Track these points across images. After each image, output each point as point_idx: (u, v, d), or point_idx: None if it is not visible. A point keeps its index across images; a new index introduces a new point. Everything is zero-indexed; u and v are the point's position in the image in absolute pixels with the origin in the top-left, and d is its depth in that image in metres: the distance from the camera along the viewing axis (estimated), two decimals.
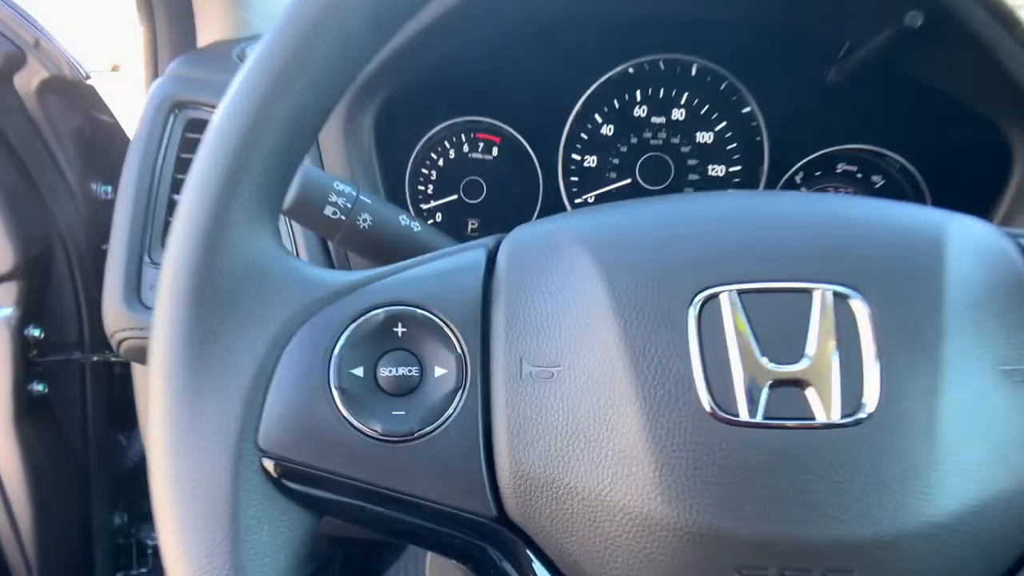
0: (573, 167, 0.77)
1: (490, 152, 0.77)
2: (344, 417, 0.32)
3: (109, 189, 0.91)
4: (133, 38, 0.79)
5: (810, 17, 0.66)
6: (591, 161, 0.75)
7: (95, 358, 0.92)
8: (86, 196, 0.89)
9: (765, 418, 0.30)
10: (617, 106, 0.73)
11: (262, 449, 0.32)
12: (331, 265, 0.64)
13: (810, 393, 0.30)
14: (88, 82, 0.87)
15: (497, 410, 0.32)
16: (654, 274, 0.32)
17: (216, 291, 0.32)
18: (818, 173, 0.76)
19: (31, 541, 0.88)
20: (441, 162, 0.77)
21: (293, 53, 0.32)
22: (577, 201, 0.78)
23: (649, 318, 0.31)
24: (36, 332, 0.87)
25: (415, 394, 0.33)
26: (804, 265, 0.31)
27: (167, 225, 0.63)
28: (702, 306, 0.31)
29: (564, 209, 0.78)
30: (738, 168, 0.76)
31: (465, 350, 0.33)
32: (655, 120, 0.73)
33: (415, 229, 0.52)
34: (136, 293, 0.61)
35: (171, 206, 0.64)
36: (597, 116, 0.74)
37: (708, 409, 0.30)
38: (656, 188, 0.77)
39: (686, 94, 0.72)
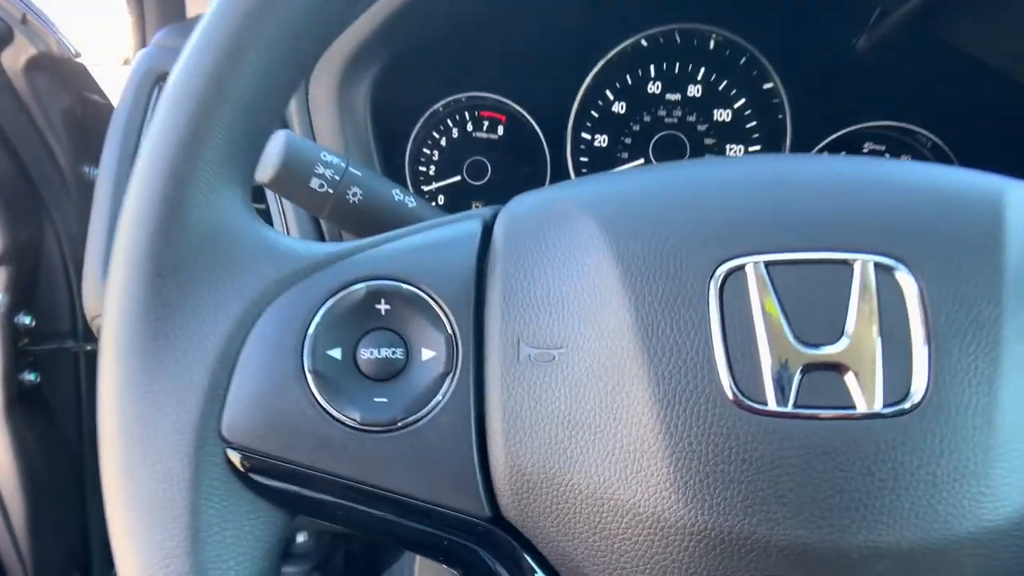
0: (582, 147, 0.74)
1: (495, 131, 0.74)
2: (319, 404, 0.30)
3: None
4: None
5: None
6: (601, 140, 0.73)
7: (89, 347, 0.90)
8: (78, 179, 0.87)
9: (796, 407, 0.27)
10: (629, 82, 0.71)
11: (226, 440, 0.30)
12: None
13: (849, 379, 0.28)
14: (78, 60, 0.84)
15: (491, 397, 0.30)
16: (670, 244, 0.30)
17: (175, 262, 0.29)
18: (844, 153, 0.72)
19: (24, 536, 0.86)
20: (443, 141, 0.75)
21: (258, 3, 0.29)
22: None
23: (664, 293, 0.29)
24: (27, 320, 0.85)
25: (399, 379, 0.31)
26: (842, 233, 0.29)
27: None
28: (724, 280, 0.29)
29: None
30: (758, 148, 0.73)
31: (456, 330, 0.31)
32: (670, 97, 0.71)
33: (410, 205, 0.48)
34: None
35: None
36: (608, 92, 0.72)
37: (731, 396, 0.28)
38: None
39: (703, 68, 0.70)
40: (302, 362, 0.30)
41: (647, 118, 0.72)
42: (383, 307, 0.32)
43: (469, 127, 0.74)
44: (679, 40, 0.71)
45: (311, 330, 0.31)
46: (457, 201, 0.76)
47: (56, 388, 0.90)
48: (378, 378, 0.31)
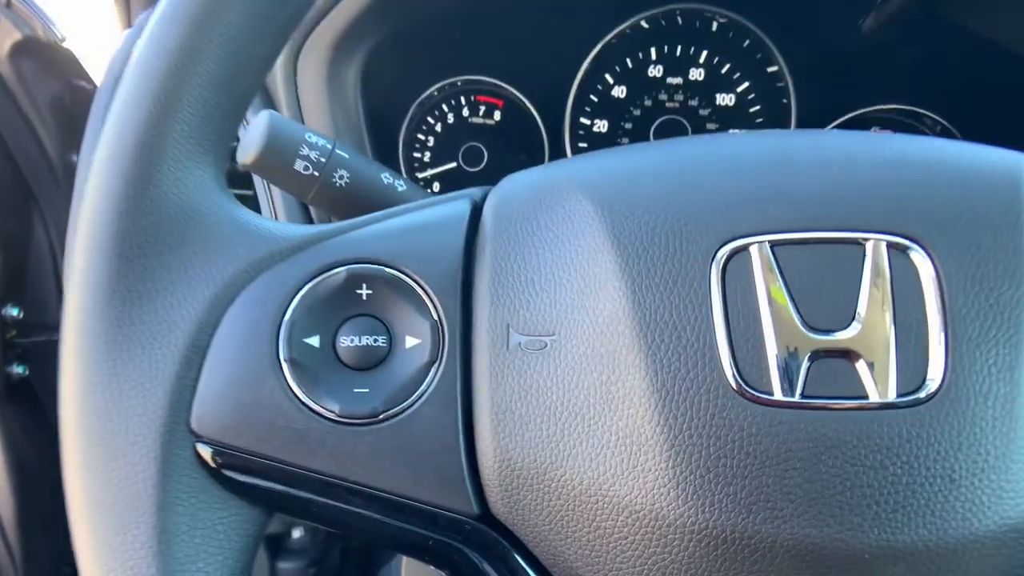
0: (581, 132, 0.73)
1: (491, 116, 0.73)
2: (296, 395, 0.29)
3: None
4: None
5: None
6: (601, 126, 0.72)
7: None
8: (66, 168, 0.86)
9: (804, 397, 0.26)
10: (630, 65, 0.70)
11: (196, 434, 0.28)
12: None
13: (860, 367, 0.27)
14: (65, 45, 0.82)
15: (479, 387, 0.29)
16: (669, 223, 0.28)
17: (141, 243, 0.28)
18: None
19: (13, 530, 0.85)
20: (438, 127, 0.73)
21: None
22: None
23: (662, 276, 0.28)
24: (14, 311, 0.84)
25: (382, 368, 0.30)
26: (853, 211, 0.28)
27: None
28: (727, 261, 0.28)
29: None
30: None
31: (442, 316, 0.30)
32: (671, 80, 0.70)
33: (400, 188, 0.47)
34: None
35: None
36: (608, 76, 0.71)
37: (734, 386, 0.27)
38: None
39: (705, 51, 0.69)
40: (277, 350, 0.29)
41: (648, 102, 0.71)
42: (364, 292, 0.30)
43: (465, 112, 0.73)
44: (681, 21, 0.70)
45: (287, 316, 0.29)
46: (452, 188, 0.73)
47: (45, 381, 0.88)
48: (359, 367, 0.30)
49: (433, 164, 0.73)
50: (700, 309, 0.27)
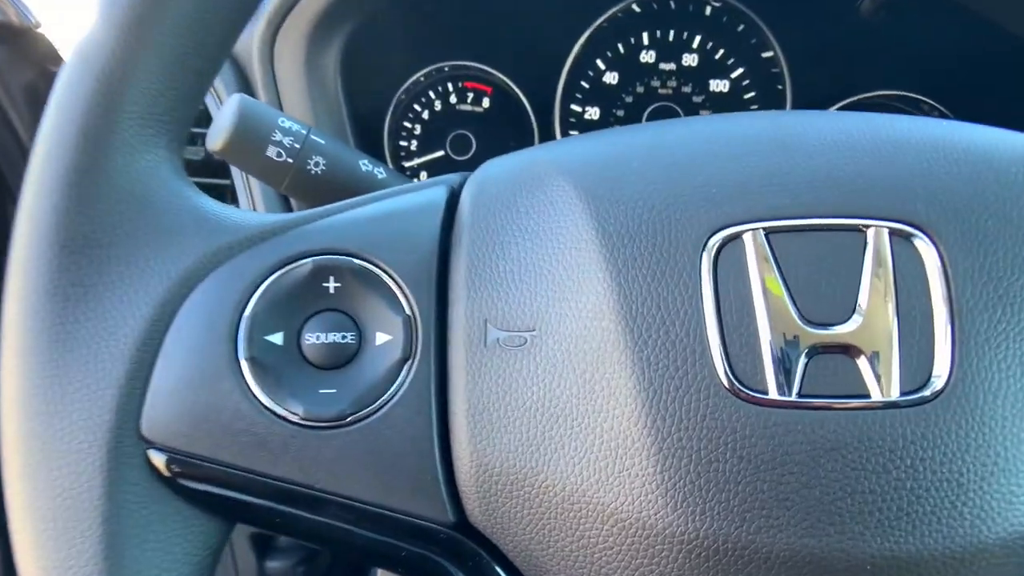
0: (572, 120, 0.72)
1: (480, 103, 0.72)
2: (256, 397, 0.28)
3: None
4: None
5: None
6: (592, 113, 0.71)
7: None
8: None
9: (801, 396, 0.25)
10: (621, 51, 0.69)
11: (147, 440, 0.27)
12: None
13: (861, 363, 0.26)
14: (40, 30, 0.80)
15: (455, 387, 0.28)
16: (657, 210, 0.27)
17: (87, 233, 0.27)
18: None
19: None
20: (425, 114, 0.72)
21: None
22: None
23: (650, 267, 0.27)
24: None
25: (350, 367, 0.29)
26: (853, 196, 0.27)
27: None
28: (719, 251, 0.27)
29: None
30: None
31: (415, 311, 0.29)
32: (664, 66, 0.69)
33: (379, 176, 0.45)
34: None
35: None
36: (599, 62, 0.70)
37: (727, 384, 0.26)
38: None
39: (699, 36, 0.68)
40: (236, 349, 0.28)
41: (640, 89, 0.70)
42: (332, 285, 0.29)
43: (453, 99, 0.71)
44: (673, 5, 0.68)
45: (248, 312, 0.28)
46: None
47: None
48: (325, 366, 0.29)
49: (420, 153, 0.72)
50: (690, 302, 0.26)
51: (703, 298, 0.26)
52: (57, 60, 0.85)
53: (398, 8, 0.62)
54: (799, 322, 0.26)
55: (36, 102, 0.81)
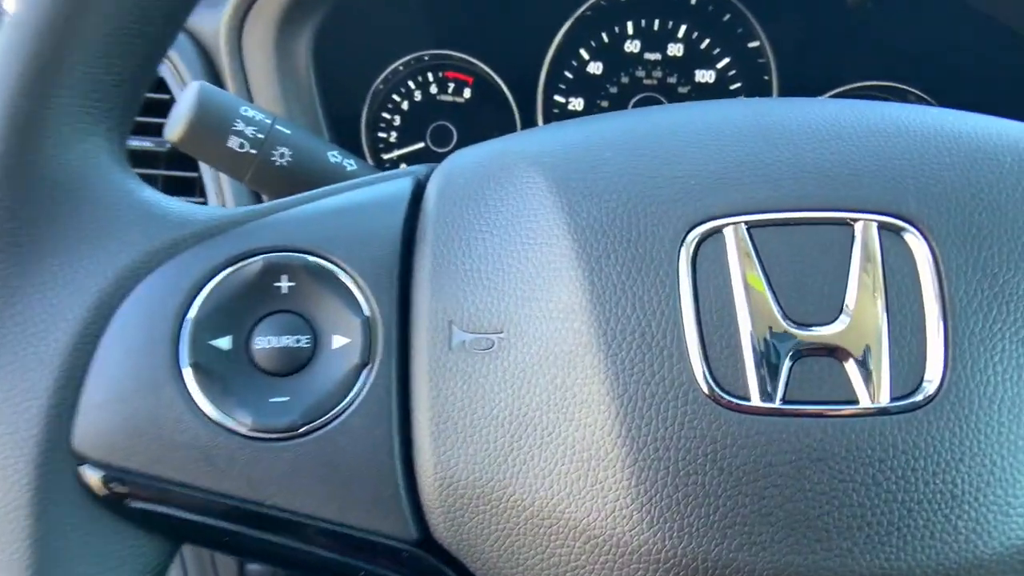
0: (556, 111, 0.71)
1: (461, 93, 0.71)
2: (200, 407, 0.26)
3: None
4: None
5: None
6: (576, 104, 0.71)
7: None
8: None
9: (786, 402, 0.25)
10: (606, 40, 0.69)
11: (79, 455, 0.26)
12: None
13: (849, 366, 0.25)
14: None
15: (417, 393, 0.27)
16: (632, 203, 0.27)
17: (14, 229, 0.25)
18: None
19: None
20: (405, 105, 0.71)
21: None
22: None
23: (624, 263, 0.26)
24: None
25: (304, 373, 0.28)
26: (839, 188, 0.26)
27: None
28: (698, 246, 0.26)
29: None
30: None
31: (375, 312, 0.28)
32: (649, 56, 0.69)
33: (350, 168, 0.44)
34: None
35: None
36: (583, 52, 0.70)
37: (706, 390, 0.25)
38: None
39: (684, 26, 0.68)
40: (178, 354, 0.27)
41: (625, 79, 0.69)
42: (285, 285, 0.28)
43: (433, 89, 0.71)
44: None
45: (192, 314, 0.27)
46: None
47: None
48: (277, 372, 0.28)
49: (400, 145, 0.71)
50: (667, 301, 0.26)
51: (681, 297, 0.26)
52: None
53: None
54: (783, 323, 0.25)
55: None
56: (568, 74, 0.70)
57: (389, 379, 0.27)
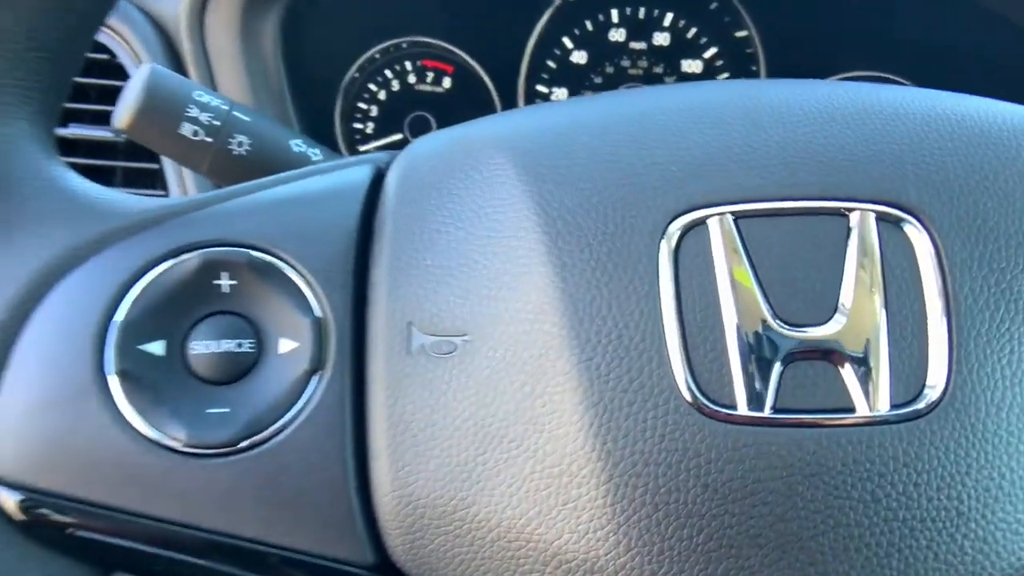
0: (538, 101, 0.71)
1: (440, 83, 0.70)
2: (127, 420, 0.25)
3: None
4: None
5: None
6: (560, 94, 0.71)
7: None
8: None
9: (776, 411, 0.24)
10: (590, 28, 0.69)
11: None
12: None
13: (845, 371, 0.24)
14: None
15: (373, 403, 0.26)
16: (608, 192, 0.25)
17: None
18: None
19: None
20: (382, 95, 0.70)
21: None
22: None
23: (600, 259, 0.25)
24: None
25: (247, 381, 0.27)
26: (833, 175, 0.25)
27: None
28: (680, 239, 0.25)
29: None
30: None
31: (327, 313, 0.27)
32: (634, 46, 0.69)
33: (314, 157, 0.44)
34: None
35: None
36: (566, 40, 0.70)
37: (689, 398, 0.24)
38: None
39: (671, 14, 0.68)
40: (103, 361, 0.25)
41: (610, 69, 0.70)
42: (226, 283, 0.27)
43: (411, 78, 0.70)
44: None
45: (120, 316, 0.26)
46: None
47: None
48: (216, 380, 0.26)
49: (376, 136, 0.71)
50: (646, 300, 0.24)
51: (661, 295, 0.25)
52: None
53: None
54: (773, 323, 0.24)
55: None
56: (551, 63, 0.70)
57: (342, 387, 0.26)
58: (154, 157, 0.55)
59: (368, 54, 0.68)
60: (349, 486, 0.26)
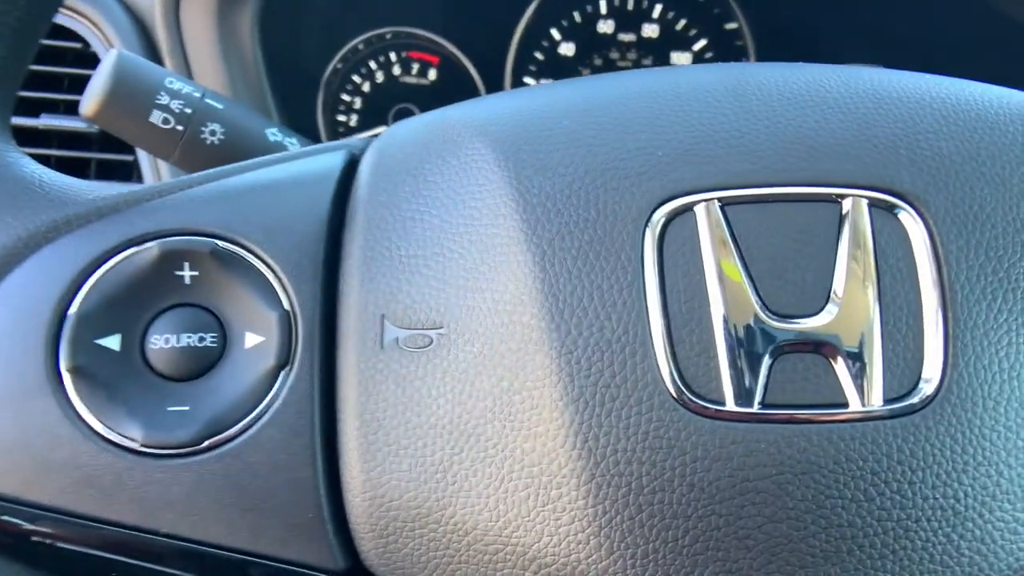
0: None
1: (425, 75, 0.70)
2: (81, 417, 0.24)
3: None
4: None
5: None
6: None
7: None
8: None
9: (765, 406, 0.23)
10: (578, 20, 0.69)
11: None
12: None
13: (837, 365, 0.24)
14: None
15: (344, 399, 0.25)
16: (591, 177, 0.25)
17: None
18: None
19: None
20: (366, 86, 0.70)
21: None
22: None
23: (581, 247, 0.24)
24: None
25: (210, 377, 0.26)
26: (825, 160, 0.25)
27: None
28: (665, 226, 0.24)
29: None
30: None
31: (295, 305, 0.26)
32: (623, 37, 0.69)
33: (292, 147, 0.42)
34: None
35: None
36: (553, 32, 0.69)
37: (673, 393, 0.23)
38: None
39: (660, 6, 0.68)
40: (57, 356, 0.24)
41: (598, 61, 0.70)
42: (187, 274, 0.26)
43: (396, 70, 0.70)
44: None
45: (74, 308, 0.25)
46: None
47: None
48: (177, 377, 0.26)
49: (360, 129, 0.70)
50: (630, 291, 0.24)
51: (645, 285, 0.24)
52: None
53: None
54: (762, 314, 0.24)
55: None
56: (538, 55, 0.69)
57: (311, 383, 0.25)
58: (129, 148, 0.54)
59: (351, 44, 0.68)
60: (318, 488, 0.25)
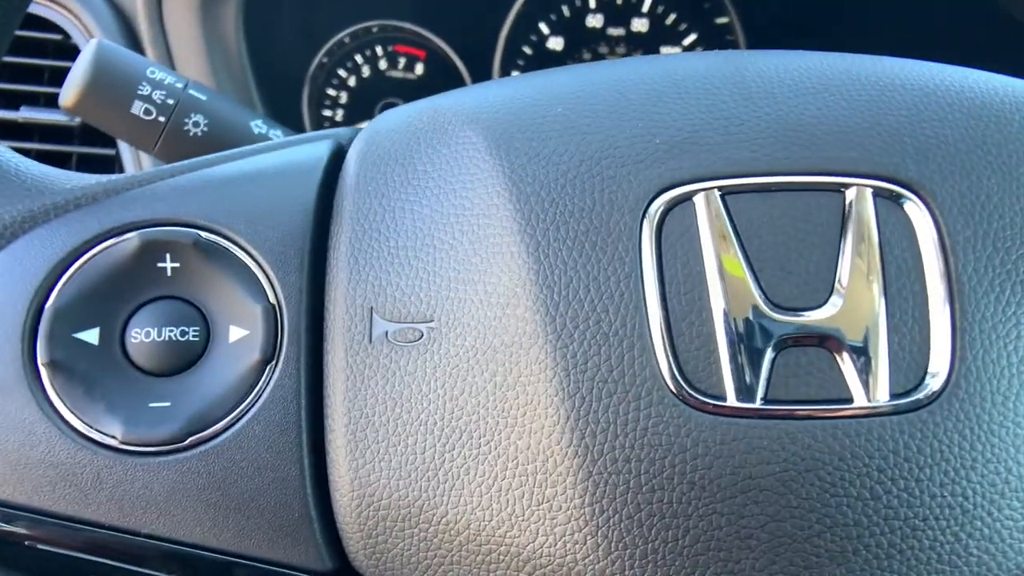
0: None
1: (412, 69, 0.70)
2: (59, 413, 0.24)
3: None
4: None
5: None
6: None
7: None
8: None
9: (768, 402, 0.23)
10: (567, 13, 0.69)
11: None
12: None
13: (842, 359, 0.23)
14: None
15: (332, 395, 0.25)
16: (587, 166, 0.24)
17: None
18: None
19: None
20: (352, 81, 0.70)
21: None
22: None
23: (577, 238, 0.24)
24: None
25: (193, 372, 0.25)
26: (828, 149, 0.24)
27: None
28: (663, 216, 0.24)
29: None
30: None
31: (280, 298, 0.25)
32: (612, 32, 0.69)
33: (276, 139, 0.40)
34: None
35: None
36: (543, 26, 0.69)
37: (673, 388, 0.23)
38: None
39: (649, 0, 0.68)
40: (34, 350, 0.24)
41: (587, 55, 0.70)
42: (169, 266, 0.25)
43: (382, 64, 0.69)
44: None
45: (51, 301, 0.24)
46: None
47: None
48: (158, 372, 0.25)
49: (346, 123, 0.71)
50: (627, 283, 0.23)
51: (643, 277, 0.23)
52: None
53: None
54: (764, 307, 0.23)
55: None
56: (527, 49, 0.69)
57: (297, 378, 0.25)
58: (111, 142, 0.54)
59: (337, 38, 0.67)
60: (305, 486, 0.25)
